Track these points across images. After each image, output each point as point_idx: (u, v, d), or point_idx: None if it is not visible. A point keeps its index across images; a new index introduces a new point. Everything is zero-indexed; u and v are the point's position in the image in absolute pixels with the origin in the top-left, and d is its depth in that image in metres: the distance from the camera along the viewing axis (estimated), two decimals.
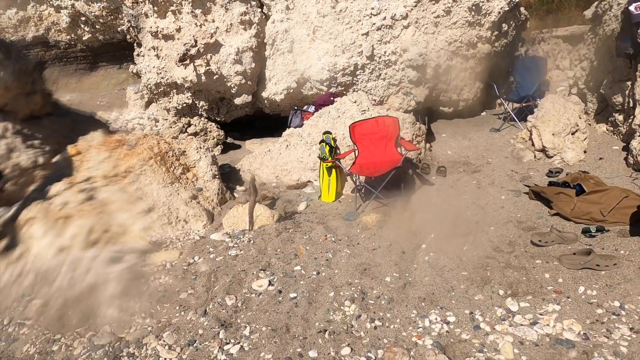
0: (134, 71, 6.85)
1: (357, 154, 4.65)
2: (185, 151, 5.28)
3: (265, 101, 6.67)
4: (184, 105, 6.98)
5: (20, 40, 13.06)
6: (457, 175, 4.89)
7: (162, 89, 6.85)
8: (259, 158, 6.00)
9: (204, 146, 5.34)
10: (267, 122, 7.73)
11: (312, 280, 3.07)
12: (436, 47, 6.11)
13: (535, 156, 4.81)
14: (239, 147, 7.57)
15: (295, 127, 5.90)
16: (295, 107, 6.09)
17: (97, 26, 11.10)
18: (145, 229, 4.43)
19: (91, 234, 4.22)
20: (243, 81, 6.28)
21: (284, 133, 6.05)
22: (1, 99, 5.00)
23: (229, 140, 7.88)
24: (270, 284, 3.10)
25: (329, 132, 5.10)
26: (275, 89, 6.41)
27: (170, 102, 7.04)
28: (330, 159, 4.76)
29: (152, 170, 4.79)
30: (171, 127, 6.67)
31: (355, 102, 5.36)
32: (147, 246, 4.21)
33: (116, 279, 3.49)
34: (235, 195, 5.29)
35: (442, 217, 3.77)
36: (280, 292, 2.97)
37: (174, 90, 6.86)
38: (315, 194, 4.99)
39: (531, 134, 4.87)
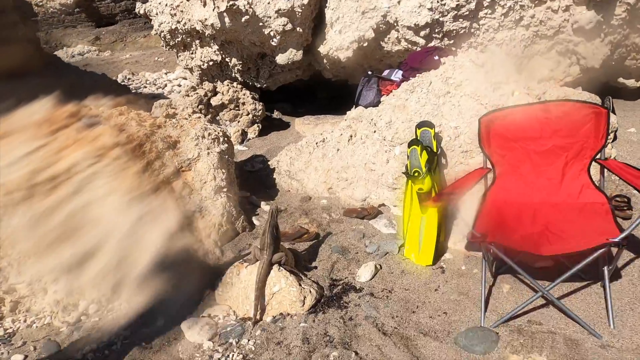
0: (141, 12, 4.79)
1: (492, 182, 2.19)
2: (178, 141, 3.17)
3: (324, 60, 4.30)
4: (211, 63, 4.86)
5: None
6: None
7: (180, 39, 4.76)
8: (305, 152, 3.74)
9: (208, 135, 3.18)
10: (336, 89, 5.36)
11: None
12: None
13: None
14: (287, 125, 5.35)
15: (366, 106, 3.49)
16: (370, 72, 3.64)
17: None
18: (65, 309, 2.45)
19: None
20: (289, 26, 3.94)
21: (347, 114, 3.70)
22: None
23: (276, 114, 5.69)
24: None
25: (429, 125, 2.66)
26: (339, 41, 3.99)
27: (192, 58, 4.95)
28: (430, 186, 2.36)
29: (108, 174, 2.75)
30: (188, 96, 4.60)
31: (482, 65, 2.82)
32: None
33: None
34: (256, 221, 3.12)
35: None
36: None
37: (197, 42, 4.73)
38: (392, 241, 2.65)
39: None
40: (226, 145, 3.26)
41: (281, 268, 2.23)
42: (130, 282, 2.57)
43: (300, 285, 2.17)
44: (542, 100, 2.46)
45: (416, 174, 2.46)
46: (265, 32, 4.02)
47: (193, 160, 3.02)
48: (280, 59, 4.23)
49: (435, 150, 2.59)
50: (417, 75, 3.12)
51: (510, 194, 2.05)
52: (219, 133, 3.28)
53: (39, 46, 5.16)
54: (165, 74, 8.91)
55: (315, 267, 2.51)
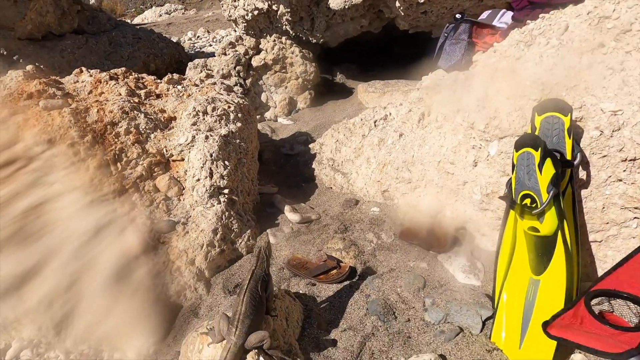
0: None
1: None
2: (174, 118, 2.29)
3: (397, 3, 3.08)
4: (256, 12, 3.89)
5: None
6: None
7: None
8: (357, 135, 2.67)
9: (213, 110, 2.25)
10: (419, 45, 4.10)
11: None
12: None
13: None
14: (349, 92, 4.26)
15: (448, 68, 2.28)
16: (458, 15, 2.35)
17: None
18: None
19: None
20: None
21: (422, 80, 2.53)
22: None
23: (339, 78, 4.60)
24: None
25: (560, 107, 1.42)
26: None
27: (235, 6, 4.02)
28: (554, 227, 1.20)
29: (63, 166, 1.98)
30: (225, 54, 3.71)
31: None
32: None
33: None
34: (272, 237, 2.16)
35: None
36: None
37: None
38: (472, 309, 1.53)
39: None
40: (239, 124, 2.31)
41: (261, 358, 1.27)
42: (77, 320, 1.83)
43: None
44: None
45: (529, 203, 1.30)
46: None
47: (186, 146, 2.13)
48: (334, 1, 3.09)
49: (568, 156, 1.38)
50: (540, 16, 1.82)
51: None
52: (230, 107, 2.33)
53: (78, 1, 4.59)
54: (234, 30, 8.22)
55: (334, 342, 1.51)
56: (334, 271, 1.87)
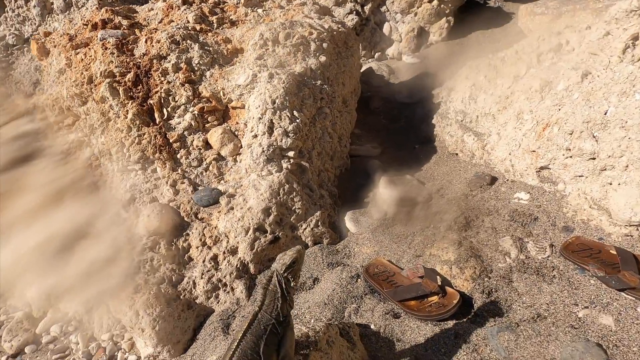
0: None
1: None
2: (241, 50, 1.71)
3: None
4: None
5: None
6: None
7: None
8: (507, 76, 1.74)
9: (286, 38, 1.60)
10: None
11: None
12: None
13: None
14: (506, 19, 3.12)
15: None
16: None
17: None
18: (20, 324, 1.53)
19: None
20: None
21: None
22: None
23: (494, 1, 3.42)
24: None
25: None
26: None
27: None
28: None
29: (103, 112, 1.60)
30: None
31: None
32: None
33: None
34: (352, 224, 1.49)
35: None
36: None
37: None
38: None
39: None
40: (324, 58, 1.62)
41: None
42: (104, 302, 1.50)
43: None
44: None
45: None
46: None
47: (246, 89, 1.55)
48: None
49: None
50: None
51: None
52: (312, 34, 1.64)
53: None
54: None
55: None
56: (435, 299, 1.15)
